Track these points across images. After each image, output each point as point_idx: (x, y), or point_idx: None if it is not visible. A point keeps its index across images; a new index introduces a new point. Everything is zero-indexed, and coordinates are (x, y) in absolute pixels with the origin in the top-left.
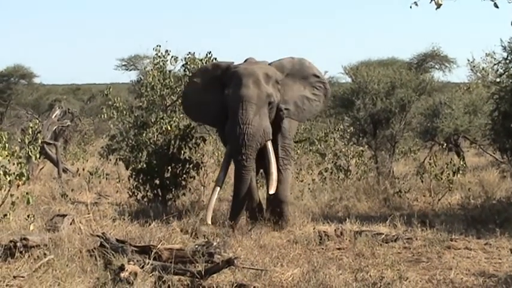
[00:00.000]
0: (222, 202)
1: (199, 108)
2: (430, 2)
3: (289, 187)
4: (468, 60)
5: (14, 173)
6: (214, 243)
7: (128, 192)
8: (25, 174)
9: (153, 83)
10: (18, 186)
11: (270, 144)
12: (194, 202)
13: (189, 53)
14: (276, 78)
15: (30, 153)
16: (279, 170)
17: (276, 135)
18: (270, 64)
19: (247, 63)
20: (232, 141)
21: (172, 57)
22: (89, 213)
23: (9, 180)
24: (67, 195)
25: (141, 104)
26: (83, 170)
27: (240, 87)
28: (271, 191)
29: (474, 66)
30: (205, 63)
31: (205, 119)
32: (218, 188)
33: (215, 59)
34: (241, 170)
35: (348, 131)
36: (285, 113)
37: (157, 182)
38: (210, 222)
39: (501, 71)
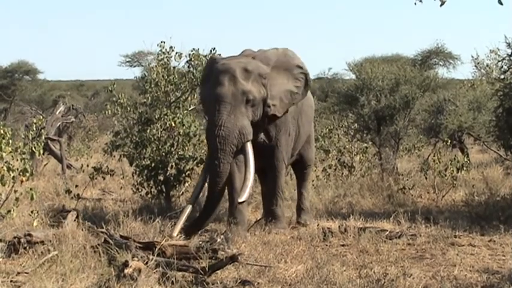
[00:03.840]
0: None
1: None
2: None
3: (282, 191)
4: (472, 57)
5: (17, 169)
6: (218, 240)
7: (131, 189)
8: (29, 170)
9: (157, 80)
10: (22, 182)
11: (248, 146)
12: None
13: (194, 49)
14: (259, 72)
15: (34, 149)
16: (270, 176)
17: (268, 132)
18: (254, 57)
19: (229, 58)
20: (207, 144)
21: (176, 53)
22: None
23: (13, 176)
24: (71, 191)
25: (145, 100)
26: (87, 166)
27: (214, 85)
28: (240, 199)
29: (478, 63)
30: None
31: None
32: (190, 207)
33: (219, 55)
34: (215, 176)
35: (352, 127)
36: (271, 109)
37: (161, 178)
38: (175, 235)
39: (505, 67)
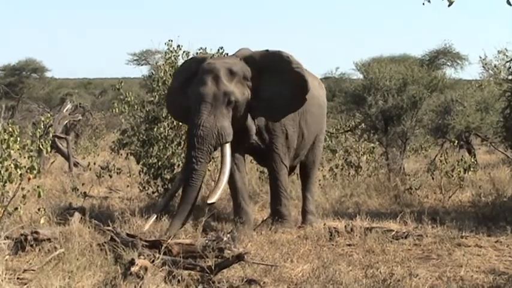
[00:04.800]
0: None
1: None
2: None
3: (287, 192)
4: (480, 58)
5: (25, 167)
6: (225, 238)
7: (138, 187)
8: (36, 168)
9: (164, 78)
10: (29, 179)
11: (226, 147)
12: (204, 197)
13: (201, 48)
14: (243, 74)
15: (41, 147)
16: (272, 176)
17: (263, 135)
18: (242, 58)
19: (215, 58)
20: (187, 142)
21: (184, 52)
22: (99, 208)
23: (20, 174)
24: (78, 189)
25: (152, 98)
26: (94, 164)
27: (197, 85)
28: (209, 200)
29: (486, 64)
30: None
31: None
32: (154, 217)
33: (226, 54)
34: (191, 174)
35: (359, 127)
36: (258, 112)
37: (168, 177)
38: (146, 229)
39: None
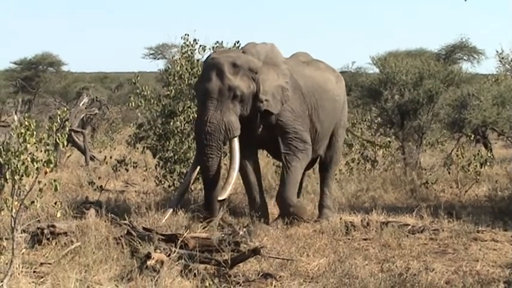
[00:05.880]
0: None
1: None
2: None
3: (295, 186)
4: (497, 52)
5: (41, 160)
6: (241, 232)
7: (154, 181)
8: (53, 162)
9: (180, 72)
10: (45, 173)
11: (235, 142)
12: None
13: (217, 42)
14: (249, 67)
15: (57, 140)
16: (283, 168)
17: (272, 129)
18: (244, 51)
19: (219, 52)
20: (195, 139)
21: (200, 46)
22: (116, 202)
23: (37, 167)
24: (94, 183)
25: (168, 92)
26: (110, 158)
27: (202, 81)
28: (220, 197)
29: (503, 58)
30: None
31: None
32: (170, 211)
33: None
34: (205, 171)
35: (375, 121)
36: (264, 105)
37: (184, 170)
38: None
39: None
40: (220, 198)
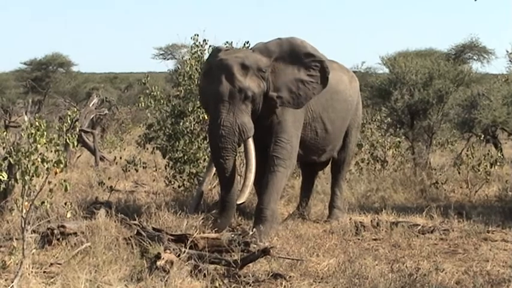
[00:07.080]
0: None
1: None
2: None
3: (277, 194)
4: (507, 52)
5: (51, 160)
6: (250, 233)
7: (164, 181)
8: (63, 162)
9: (190, 72)
10: (55, 173)
11: (249, 143)
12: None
13: (227, 42)
14: (258, 66)
15: (68, 141)
16: (268, 171)
17: (272, 129)
18: (253, 50)
19: (227, 53)
20: (209, 142)
21: (210, 46)
22: (126, 202)
23: (47, 168)
24: (104, 183)
25: (178, 93)
26: (120, 158)
27: (212, 83)
28: (239, 201)
29: None
30: None
31: None
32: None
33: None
34: (222, 173)
35: (385, 121)
36: (278, 102)
37: (193, 171)
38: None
39: None
40: (239, 202)
